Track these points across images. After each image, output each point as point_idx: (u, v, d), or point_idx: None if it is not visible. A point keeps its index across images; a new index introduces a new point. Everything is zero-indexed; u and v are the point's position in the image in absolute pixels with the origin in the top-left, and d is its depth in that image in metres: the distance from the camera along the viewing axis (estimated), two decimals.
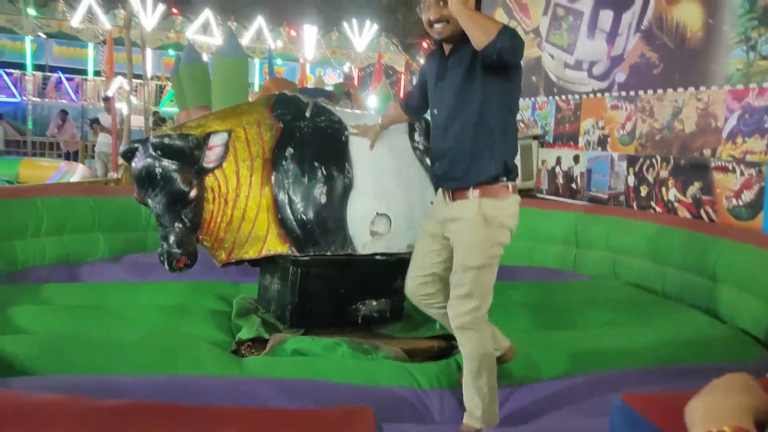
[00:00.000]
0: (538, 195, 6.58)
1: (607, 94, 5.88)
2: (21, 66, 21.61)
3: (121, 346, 2.68)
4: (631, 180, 5.50)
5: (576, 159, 6.27)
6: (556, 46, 6.70)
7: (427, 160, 3.26)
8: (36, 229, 4.15)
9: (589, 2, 6.16)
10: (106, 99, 9.43)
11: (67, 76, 21.09)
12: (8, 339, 2.61)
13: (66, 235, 4.34)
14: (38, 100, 20.23)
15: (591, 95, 6.10)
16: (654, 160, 5.26)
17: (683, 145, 4.99)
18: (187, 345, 2.77)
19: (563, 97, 6.57)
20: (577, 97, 6.32)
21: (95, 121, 8.45)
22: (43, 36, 22.59)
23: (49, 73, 21.49)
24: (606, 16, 5.94)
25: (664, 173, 5.15)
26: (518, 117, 7.43)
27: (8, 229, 3.97)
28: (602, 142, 5.90)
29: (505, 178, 2.39)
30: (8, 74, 20.14)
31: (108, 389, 2.21)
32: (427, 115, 2.79)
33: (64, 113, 14.77)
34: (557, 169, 6.57)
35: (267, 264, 3.26)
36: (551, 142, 6.73)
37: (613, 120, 5.77)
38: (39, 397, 1.14)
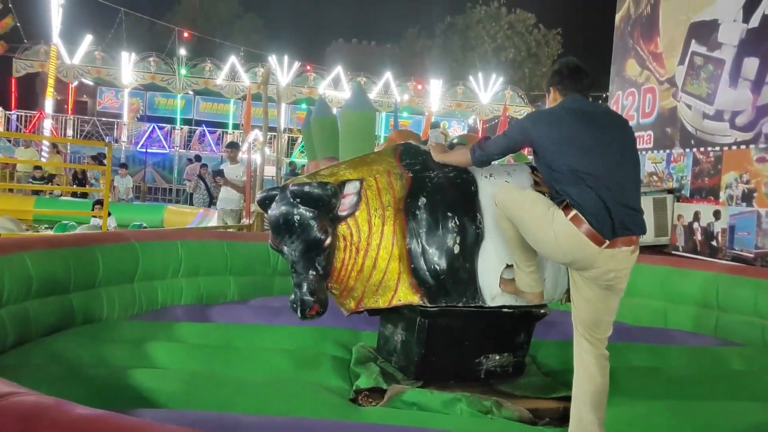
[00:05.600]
0: (674, 252, 6.17)
1: (752, 146, 5.47)
2: (171, 120, 23.69)
3: (245, 387, 2.76)
4: None
5: (716, 215, 5.84)
6: (694, 96, 6.37)
7: None
8: (175, 271, 4.43)
9: (732, 50, 5.83)
10: (230, 146, 9.06)
11: (209, 129, 22.78)
12: (145, 372, 2.77)
13: (201, 277, 4.60)
14: (184, 151, 21.96)
15: (734, 147, 5.70)
16: None
17: None
18: (308, 390, 2.80)
19: (702, 149, 6.19)
20: (717, 149, 5.93)
21: (218, 173, 8.55)
22: (192, 93, 24.70)
23: (194, 127, 23.32)
24: (751, 64, 5.58)
25: None
26: (652, 169, 7.07)
27: (151, 270, 4.26)
28: (747, 197, 5.47)
29: None
30: (161, 128, 22.07)
31: (229, 426, 2.26)
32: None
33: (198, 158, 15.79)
34: (695, 224, 6.15)
35: (389, 314, 3.22)
36: (688, 196, 6.33)
37: (760, 174, 5.35)
38: (169, 429, 1.18)
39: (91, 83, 24.78)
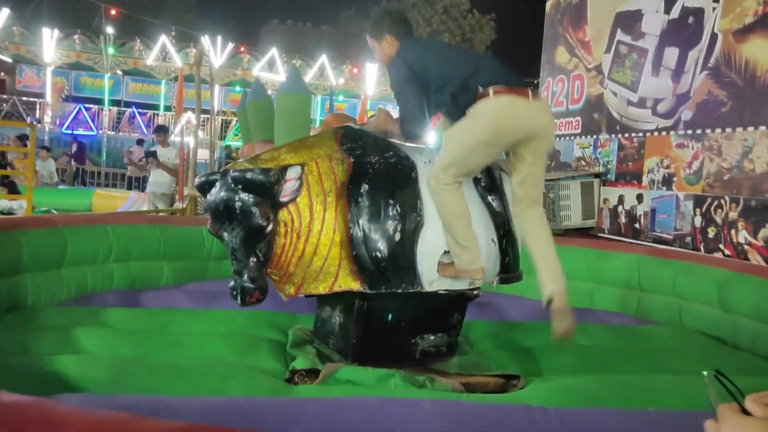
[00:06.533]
0: (600, 234, 6.43)
1: (672, 133, 5.74)
2: (99, 101, 22.80)
3: (178, 371, 2.72)
4: (698, 221, 5.32)
5: (639, 198, 6.12)
6: (619, 83, 6.61)
7: (489, 198, 3.25)
8: (105, 256, 4.31)
9: (654, 40, 6.08)
10: (158, 130, 8.99)
11: (140, 111, 22.06)
12: (72, 358, 2.70)
13: (133, 262, 4.49)
14: (113, 133, 21.21)
15: (656, 133, 5.97)
16: (722, 201, 5.07)
17: (754, 185, 4.80)
18: (242, 372, 2.79)
19: (626, 135, 6.45)
20: (641, 135, 6.19)
21: (151, 155, 8.44)
22: (120, 73, 23.82)
23: (124, 108, 22.54)
24: (671, 54, 5.84)
25: (733, 214, 4.96)
26: (580, 154, 7.33)
27: (80, 255, 4.13)
28: (667, 182, 5.74)
29: None
30: (87, 109, 21.23)
31: (162, 409, 2.24)
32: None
33: (141, 142, 15.36)
34: (619, 208, 6.42)
35: (327, 296, 3.24)
36: (613, 180, 6.60)
37: (679, 159, 5.62)
38: (95, 413, 1.17)
39: (9, 60, 23.50)
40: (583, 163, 7.08)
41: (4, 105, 21.36)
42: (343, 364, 2.97)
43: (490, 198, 3.25)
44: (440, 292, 3.11)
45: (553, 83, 8.23)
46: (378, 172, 3.03)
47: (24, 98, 21.88)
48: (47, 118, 21.31)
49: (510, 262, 3.28)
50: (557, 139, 8.08)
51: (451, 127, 2.97)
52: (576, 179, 6.40)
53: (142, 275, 4.51)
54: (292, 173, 2.85)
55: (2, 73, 24.71)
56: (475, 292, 3.26)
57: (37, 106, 21.70)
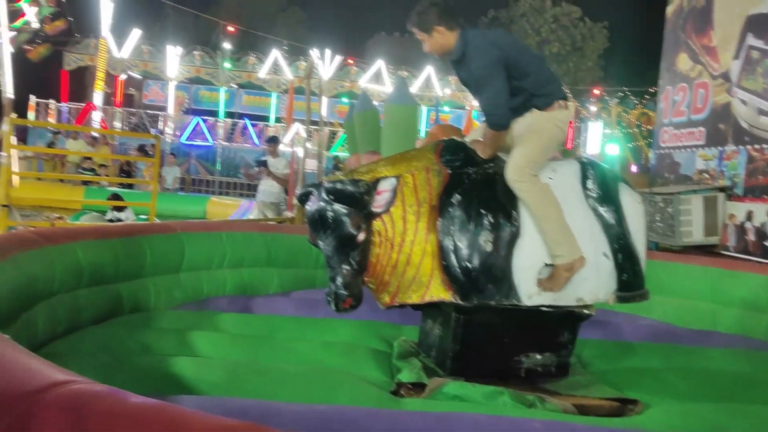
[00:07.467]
0: (724, 252, 6.01)
1: None
2: (215, 113, 24.05)
3: (286, 377, 2.78)
4: None
5: None
6: (750, 91, 6.17)
7: (601, 209, 3.11)
8: (220, 262, 4.49)
9: None
10: (270, 141, 9.30)
11: (252, 122, 23.04)
12: (188, 361, 2.81)
13: (245, 269, 4.65)
14: (227, 144, 22.27)
15: None
16: None
17: None
18: (348, 381, 2.80)
19: (756, 146, 5.99)
20: None
21: (262, 164, 8.84)
22: (235, 86, 25.03)
23: (237, 120, 23.63)
24: None
25: None
26: (703, 167, 6.90)
27: (196, 260, 4.33)
28: None
29: None
30: (204, 121, 22.43)
31: (273, 415, 2.28)
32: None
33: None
34: (747, 224, 5.97)
35: (430, 309, 3.23)
36: (741, 194, 6.14)
37: None
38: (217, 419, 1.19)
39: (138, 76, 25.32)
40: (706, 176, 6.66)
41: (132, 118, 22.97)
42: (450, 379, 2.93)
43: (602, 209, 3.12)
44: (544, 309, 3.01)
45: (673, 92, 7.80)
46: (474, 183, 3.02)
47: (149, 111, 23.46)
48: (168, 130, 22.71)
49: (629, 279, 3.12)
50: (676, 150, 7.64)
51: (523, 127, 3.06)
52: (698, 193, 6.02)
53: (253, 282, 4.67)
54: (386, 185, 2.93)
55: (131, 89, 26.63)
56: (587, 311, 3.12)
57: (160, 119, 23.18)
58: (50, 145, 15.80)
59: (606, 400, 2.92)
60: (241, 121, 23.45)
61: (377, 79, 24.39)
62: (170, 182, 13.89)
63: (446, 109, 25.09)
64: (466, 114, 21.03)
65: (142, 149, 15.30)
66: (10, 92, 10.13)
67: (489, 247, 2.92)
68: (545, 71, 3.13)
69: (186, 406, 1.45)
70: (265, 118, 24.68)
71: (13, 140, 6.23)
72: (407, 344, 3.45)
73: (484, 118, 3.10)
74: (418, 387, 2.90)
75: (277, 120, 24.35)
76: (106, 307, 3.57)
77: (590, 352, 3.60)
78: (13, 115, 7.62)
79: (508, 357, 3.12)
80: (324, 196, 2.85)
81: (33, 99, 21.38)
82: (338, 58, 24.67)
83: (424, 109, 23.49)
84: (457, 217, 2.95)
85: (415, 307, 3.20)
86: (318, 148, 10.18)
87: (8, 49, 10.51)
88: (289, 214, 7.95)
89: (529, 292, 2.97)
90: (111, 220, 8.29)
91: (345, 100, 23.95)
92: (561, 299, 3.01)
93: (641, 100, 23.35)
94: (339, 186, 2.84)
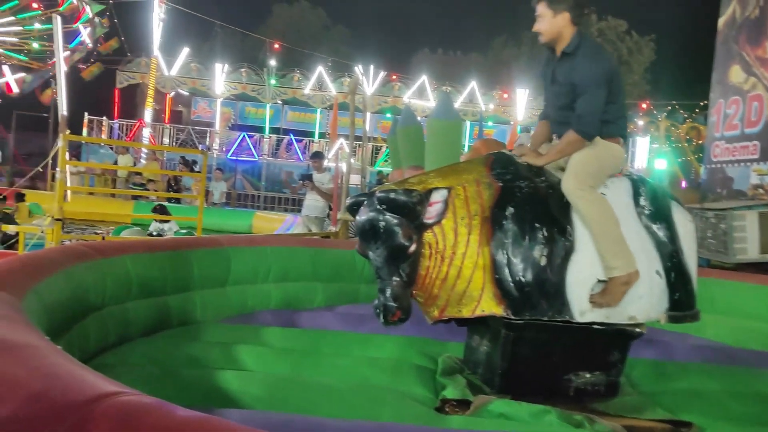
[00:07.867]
0: None
1: None
2: (260, 129, 24.46)
3: (330, 392, 2.77)
4: None
5: None
6: None
7: (654, 226, 3.04)
8: (265, 276, 4.53)
9: None
10: (315, 156, 9.41)
11: (296, 138, 23.35)
12: (233, 374, 2.84)
13: (289, 283, 4.69)
14: (272, 159, 22.60)
15: None
16: None
17: None
18: (393, 397, 2.78)
19: None
20: None
21: (307, 178, 8.93)
22: (280, 103, 25.45)
23: (282, 136, 23.98)
24: None
25: None
26: (757, 181, 6.69)
27: (242, 274, 4.38)
28: None
29: None
30: (250, 137, 22.84)
31: (315, 429, 2.28)
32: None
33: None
34: None
35: (476, 324, 3.19)
36: None
37: None
38: None
39: (186, 93, 25.97)
40: (761, 191, 6.42)
41: (181, 134, 23.55)
42: (496, 397, 2.88)
43: (655, 227, 3.06)
44: (595, 327, 2.94)
45: (726, 105, 7.58)
46: (526, 196, 2.97)
47: (197, 127, 24.01)
48: (215, 146, 23.19)
49: (681, 298, 3.03)
50: (729, 165, 7.41)
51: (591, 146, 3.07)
52: (753, 209, 5.81)
53: (298, 296, 4.69)
54: (438, 196, 2.87)
55: (180, 106, 27.32)
56: (638, 330, 3.04)
57: (207, 135, 23.69)
58: (116, 163, 16.20)
59: (658, 422, 2.84)
60: (286, 136, 23.79)
61: (421, 94, 24.45)
62: (217, 197, 14.14)
63: (490, 123, 24.98)
64: (510, 128, 20.86)
65: (184, 160, 15.59)
66: (64, 110, 10.51)
67: (543, 262, 2.86)
68: (623, 106, 3.16)
69: (231, 420, 1.46)
70: (310, 134, 24.98)
71: (67, 156, 6.44)
72: (452, 360, 3.40)
73: (556, 124, 3.19)
74: (462, 404, 2.86)
75: (322, 135, 24.63)
76: (154, 320, 3.64)
77: (640, 372, 3.50)
78: (68, 132, 7.88)
79: (557, 375, 3.05)
80: (376, 205, 2.80)
81: (86, 116, 22.10)
82: (382, 74, 24.85)
83: (467, 123, 23.41)
84: (510, 230, 2.89)
85: (461, 322, 3.16)
86: (362, 163, 10.25)
87: (63, 69, 10.92)
88: (333, 228, 7.99)
89: (581, 309, 2.90)
90: (152, 234, 8.48)
91: (389, 115, 24.05)
92: (613, 317, 2.94)
93: (691, 114, 22.82)
94: (392, 195, 2.79)
